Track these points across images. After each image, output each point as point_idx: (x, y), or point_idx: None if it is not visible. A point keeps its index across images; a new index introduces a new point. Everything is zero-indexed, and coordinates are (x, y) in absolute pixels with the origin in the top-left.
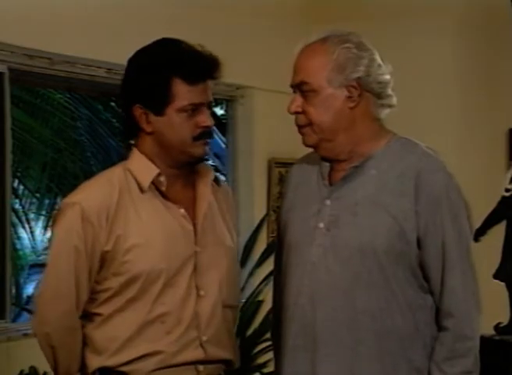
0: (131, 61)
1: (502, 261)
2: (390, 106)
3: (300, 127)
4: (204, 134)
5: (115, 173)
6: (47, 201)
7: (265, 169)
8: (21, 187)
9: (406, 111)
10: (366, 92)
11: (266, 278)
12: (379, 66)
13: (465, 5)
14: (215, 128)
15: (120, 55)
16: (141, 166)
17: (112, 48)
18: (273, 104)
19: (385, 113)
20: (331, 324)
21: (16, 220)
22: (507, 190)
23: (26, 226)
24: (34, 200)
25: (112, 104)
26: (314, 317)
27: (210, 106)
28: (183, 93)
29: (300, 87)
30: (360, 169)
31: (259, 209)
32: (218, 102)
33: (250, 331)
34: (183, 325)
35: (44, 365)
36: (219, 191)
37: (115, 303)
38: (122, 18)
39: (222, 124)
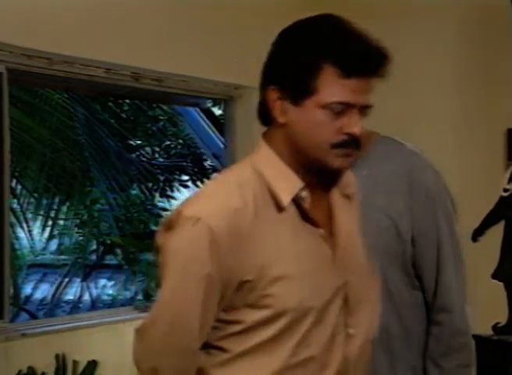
0: (281, 33)
1: (500, 261)
2: None
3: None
4: (348, 143)
5: (245, 177)
6: (45, 201)
7: None
8: (19, 186)
9: (405, 111)
10: None
11: None
12: None
13: (465, 5)
14: (213, 128)
15: (119, 54)
16: (278, 174)
17: (110, 48)
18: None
19: None
20: None
21: (13, 220)
22: (505, 190)
23: (25, 226)
24: (32, 200)
25: (110, 104)
26: None
27: (365, 112)
28: (333, 86)
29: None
30: (351, 170)
31: None
32: (216, 102)
33: None
34: (328, 371)
35: (41, 365)
36: (352, 205)
37: (246, 341)
38: (121, 18)
39: (220, 124)
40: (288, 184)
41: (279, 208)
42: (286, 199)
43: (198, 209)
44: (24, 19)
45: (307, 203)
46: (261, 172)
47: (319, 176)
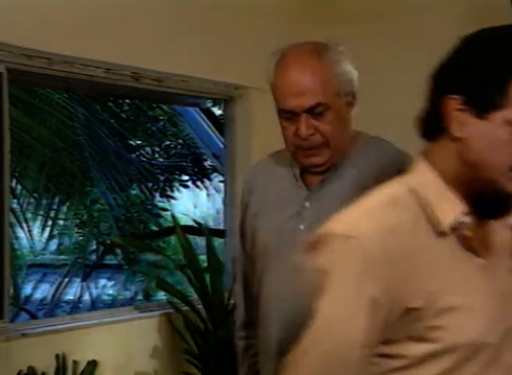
0: (467, 40)
1: None
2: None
3: (310, 149)
4: None
5: (400, 196)
6: (44, 201)
7: None
8: (19, 186)
9: (405, 111)
10: (354, 95)
11: None
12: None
13: (465, 5)
14: (213, 128)
15: (119, 54)
16: (439, 195)
17: (110, 48)
18: (271, 104)
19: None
20: None
21: (13, 220)
22: None
23: (24, 226)
24: (32, 200)
25: (110, 104)
26: (296, 322)
27: None
28: None
29: (312, 110)
30: (338, 171)
31: None
32: (216, 102)
33: None
34: None
35: (41, 365)
36: None
37: None
38: (121, 18)
39: (220, 124)
40: (450, 207)
41: (438, 232)
42: (447, 223)
43: (350, 227)
44: (24, 19)
45: (469, 230)
46: (417, 192)
47: (486, 200)
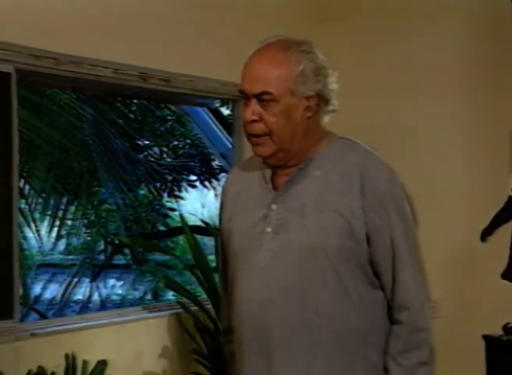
0: None
1: (509, 261)
2: (334, 111)
3: (254, 136)
4: None
5: None
6: (52, 201)
7: None
8: (27, 186)
9: (412, 111)
10: (321, 101)
11: None
12: (332, 75)
13: (471, 5)
14: (221, 128)
15: (126, 55)
16: None
17: (118, 48)
18: None
19: (328, 118)
20: (285, 327)
21: (22, 220)
22: None
23: (33, 226)
24: (40, 200)
25: (118, 104)
26: (266, 322)
27: None
28: None
29: (259, 96)
30: (304, 172)
31: None
32: (224, 102)
33: None
34: None
35: (51, 364)
36: None
37: None
38: (129, 18)
39: (228, 124)
40: None
41: None
42: None
43: None
44: (32, 20)
45: None
46: None
47: None
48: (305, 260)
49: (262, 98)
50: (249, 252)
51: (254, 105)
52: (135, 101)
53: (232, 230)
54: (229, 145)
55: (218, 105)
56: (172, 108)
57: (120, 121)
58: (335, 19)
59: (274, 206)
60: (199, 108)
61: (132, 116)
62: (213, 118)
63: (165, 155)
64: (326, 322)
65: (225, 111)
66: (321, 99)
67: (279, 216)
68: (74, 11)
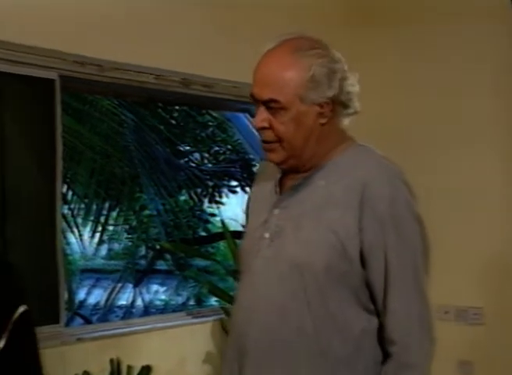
0: None
1: None
2: (355, 113)
3: (266, 143)
4: None
5: None
6: (94, 207)
7: None
8: (70, 192)
9: (453, 114)
10: (337, 106)
11: None
12: (349, 77)
13: (466, 5)
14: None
15: (169, 61)
16: None
17: (160, 55)
18: None
19: (348, 121)
20: (262, 341)
21: (64, 226)
22: None
23: (75, 231)
24: (82, 205)
25: (160, 110)
26: (247, 332)
27: None
28: None
29: (267, 104)
30: (309, 180)
31: None
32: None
33: None
34: None
35: (96, 369)
36: None
37: None
38: (171, 25)
39: None
40: None
41: None
42: None
43: None
44: (76, 27)
45: None
46: None
47: None
48: (291, 275)
49: (270, 105)
50: (249, 257)
51: (263, 112)
52: (176, 107)
53: (244, 232)
54: None
55: None
56: (213, 114)
57: (161, 127)
58: (375, 23)
59: (276, 211)
60: (240, 114)
61: (173, 121)
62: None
63: (205, 161)
64: (305, 343)
65: None
66: (338, 104)
67: (278, 222)
68: (117, 18)
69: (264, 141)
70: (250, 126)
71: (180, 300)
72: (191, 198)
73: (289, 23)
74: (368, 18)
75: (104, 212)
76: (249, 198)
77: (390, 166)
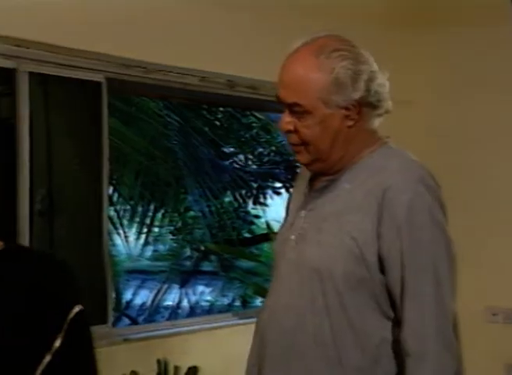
0: None
1: None
2: (387, 112)
3: (292, 145)
4: None
5: None
6: (140, 209)
7: None
8: (116, 194)
9: (499, 115)
10: (365, 107)
11: None
12: (378, 76)
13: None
14: None
15: (214, 63)
16: None
17: (205, 57)
18: None
19: (380, 121)
20: (279, 347)
21: (110, 227)
22: None
23: (121, 232)
24: (128, 207)
25: (204, 112)
26: (266, 337)
27: None
28: None
29: (291, 107)
30: (335, 182)
31: None
32: None
33: None
34: None
35: (144, 370)
36: None
37: None
38: (216, 27)
39: None
40: None
41: None
42: None
43: None
44: (122, 30)
45: None
46: None
47: None
48: (311, 280)
49: (295, 109)
50: (277, 258)
51: (288, 115)
52: (220, 108)
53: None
54: None
55: None
56: (258, 115)
57: (206, 129)
58: (418, 25)
59: (302, 213)
60: None
61: (217, 123)
62: None
63: (250, 162)
64: (322, 351)
65: None
66: (365, 105)
67: (303, 224)
68: (162, 21)
69: (292, 144)
70: None
71: (226, 301)
72: (236, 199)
73: (333, 24)
74: (409, 19)
75: (150, 214)
76: (288, 199)
77: (414, 170)
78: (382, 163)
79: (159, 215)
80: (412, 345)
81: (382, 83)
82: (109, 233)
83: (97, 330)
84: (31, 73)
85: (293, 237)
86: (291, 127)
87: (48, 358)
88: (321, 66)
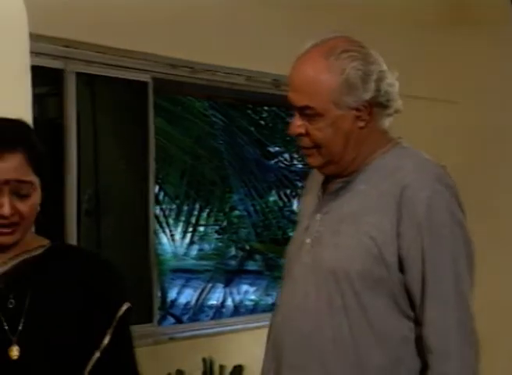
0: None
1: None
2: (397, 112)
3: (304, 148)
4: None
5: None
6: (185, 208)
7: None
8: (161, 193)
9: None
10: (375, 108)
11: None
12: (387, 76)
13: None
14: None
15: (259, 62)
16: None
17: (251, 56)
18: (417, 112)
19: (390, 120)
20: (298, 351)
21: (156, 226)
22: None
23: (167, 231)
24: (174, 206)
25: (249, 111)
26: (283, 341)
27: None
28: None
29: (302, 110)
30: (350, 184)
31: None
32: None
33: None
34: None
35: (189, 368)
36: None
37: None
38: (262, 27)
39: None
40: None
41: None
42: None
43: None
44: (169, 30)
45: None
46: None
47: None
48: (329, 282)
49: (305, 112)
50: (290, 262)
51: (299, 118)
52: (266, 107)
53: (292, 237)
54: None
55: None
56: None
57: (251, 128)
58: (474, 22)
59: (318, 216)
60: None
61: (262, 122)
62: None
63: (295, 162)
64: (342, 353)
65: None
66: (376, 106)
67: (318, 228)
68: (208, 21)
69: (303, 147)
70: None
71: (270, 300)
72: (281, 198)
73: (378, 25)
74: (463, 16)
75: (195, 213)
76: (300, 203)
77: (431, 169)
78: (396, 163)
79: (204, 214)
80: (434, 342)
81: (392, 82)
82: (155, 233)
83: (142, 328)
84: (78, 74)
85: (308, 240)
86: (303, 131)
87: (97, 354)
88: (331, 68)
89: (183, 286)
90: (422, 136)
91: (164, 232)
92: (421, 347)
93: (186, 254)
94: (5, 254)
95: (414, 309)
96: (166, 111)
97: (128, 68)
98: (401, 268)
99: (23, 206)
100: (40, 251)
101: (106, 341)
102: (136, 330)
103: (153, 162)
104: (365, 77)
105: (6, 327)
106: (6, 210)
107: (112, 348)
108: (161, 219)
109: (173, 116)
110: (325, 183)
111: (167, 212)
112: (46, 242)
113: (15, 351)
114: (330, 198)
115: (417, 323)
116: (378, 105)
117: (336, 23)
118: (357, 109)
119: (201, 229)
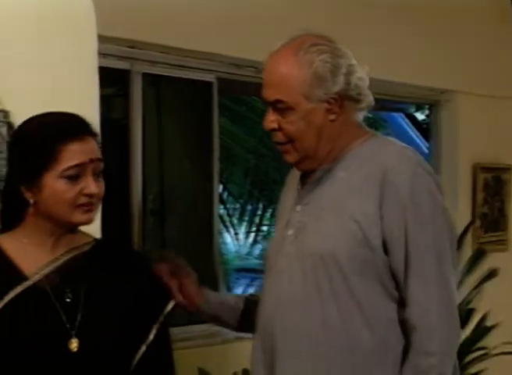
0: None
1: None
2: (368, 107)
3: (279, 144)
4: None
5: None
6: (249, 207)
7: (470, 174)
8: (225, 192)
9: None
10: (346, 101)
11: (477, 286)
12: (357, 70)
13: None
14: (417, 133)
15: None
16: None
17: None
18: (479, 108)
19: (363, 115)
20: (289, 338)
21: (220, 226)
22: None
23: (231, 231)
24: (237, 205)
25: None
26: (272, 330)
27: None
28: None
29: (274, 105)
30: (330, 172)
31: (463, 215)
32: (419, 107)
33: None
34: None
35: None
36: None
37: None
38: (323, 24)
39: (422, 129)
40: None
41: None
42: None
43: None
44: (233, 30)
45: None
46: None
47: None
48: (316, 268)
49: (278, 106)
50: (272, 256)
51: (272, 113)
52: None
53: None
54: (426, 150)
55: (413, 110)
56: (368, 114)
57: None
58: None
59: (298, 208)
60: (395, 114)
61: None
62: (409, 123)
63: None
64: (334, 337)
65: (420, 116)
66: (347, 99)
67: (300, 218)
68: (273, 21)
69: (278, 142)
70: (405, 126)
71: None
72: None
73: (436, 20)
74: None
75: (259, 213)
76: (278, 203)
77: (411, 154)
78: (375, 150)
79: (268, 214)
80: (417, 321)
81: (362, 77)
82: (219, 232)
83: (210, 328)
84: (144, 74)
85: (290, 232)
86: (275, 125)
87: (143, 348)
88: (301, 62)
89: (248, 285)
90: None
91: (228, 231)
92: (405, 329)
93: (249, 253)
94: (56, 250)
95: (399, 291)
96: (230, 111)
97: (193, 68)
98: (385, 250)
99: (98, 188)
100: (87, 247)
101: (152, 335)
102: (204, 329)
103: (217, 162)
104: (334, 70)
105: (65, 321)
106: (93, 188)
107: (155, 343)
108: (225, 218)
109: (237, 115)
110: (304, 178)
111: (231, 212)
112: (91, 239)
113: (74, 344)
114: (310, 189)
115: (402, 304)
116: (349, 99)
117: (405, 20)
118: (328, 102)
119: (264, 228)
